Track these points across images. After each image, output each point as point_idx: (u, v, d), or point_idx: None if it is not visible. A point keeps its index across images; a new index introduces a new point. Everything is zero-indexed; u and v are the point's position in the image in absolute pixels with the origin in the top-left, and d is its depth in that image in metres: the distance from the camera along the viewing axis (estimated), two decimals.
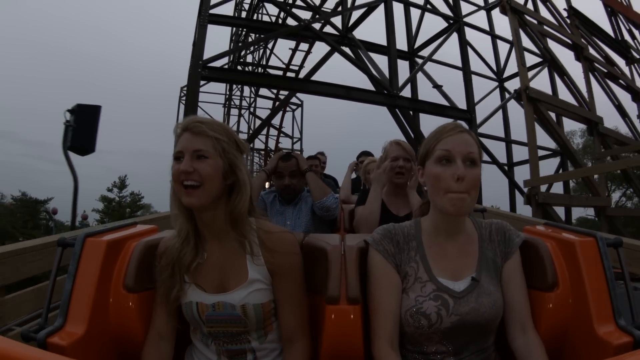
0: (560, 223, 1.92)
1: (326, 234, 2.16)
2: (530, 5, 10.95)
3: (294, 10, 11.27)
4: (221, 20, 10.06)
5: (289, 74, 16.71)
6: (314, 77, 9.71)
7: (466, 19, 11.32)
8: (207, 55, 7.95)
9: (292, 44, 17.01)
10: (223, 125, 1.56)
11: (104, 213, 38.08)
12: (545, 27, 10.19)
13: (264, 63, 18.61)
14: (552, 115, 9.41)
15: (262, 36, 14.20)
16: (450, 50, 11.15)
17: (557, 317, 1.56)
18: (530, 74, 10.57)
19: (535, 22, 10.12)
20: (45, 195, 37.56)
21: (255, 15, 16.23)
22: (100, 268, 1.59)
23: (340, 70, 10.55)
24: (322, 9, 11.60)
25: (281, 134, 21.72)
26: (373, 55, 10.86)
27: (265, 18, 16.08)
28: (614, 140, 10.50)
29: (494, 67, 13.55)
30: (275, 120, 20.29)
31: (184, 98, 20.97)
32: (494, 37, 13.20)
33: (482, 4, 13.02)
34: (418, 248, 1.57)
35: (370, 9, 10.44)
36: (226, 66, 13.30)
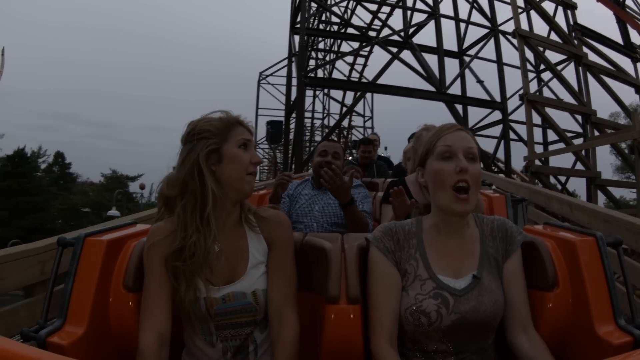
0: (560, 222, 1.92)
1: (327, 233, 2.13)
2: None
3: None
4: (316, 33, 15.72)
5: (354, 73, 20.91)
6: (382, 77, 13.35)
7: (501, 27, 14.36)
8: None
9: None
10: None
11: None
12: (546, 43, 13.10)
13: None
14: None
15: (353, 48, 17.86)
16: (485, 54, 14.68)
17: (557, 317, 1.55)
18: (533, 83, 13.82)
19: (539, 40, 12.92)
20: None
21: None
22: (100, 268, 1.56)
23: (397, 66, 13.46)
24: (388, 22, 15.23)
25: (353, 113, 23.58)
26: (426, 55, 14.05)
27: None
28: (608, 128, 12.78)
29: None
30: (348, 100, 21.88)
31: (262, 82, 25.97)
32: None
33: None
34: (418, 246, 1.55)
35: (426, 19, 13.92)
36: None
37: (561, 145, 12.95)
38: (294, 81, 14.66)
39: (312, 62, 19.87)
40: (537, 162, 12.04)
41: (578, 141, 13.27)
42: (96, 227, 1.87)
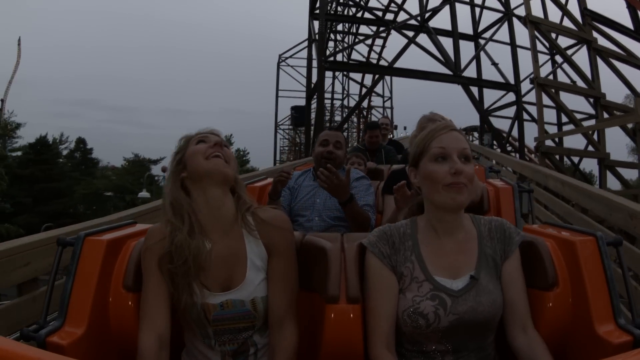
0: (560, 222, 1.89)
1: (327, 233, 2.10)
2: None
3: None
4: (334, 18, 16.95)
5: (373, 54, 22.62)
6: (400, 60, 14.48)
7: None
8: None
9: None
10: None
11: None
12: (556, 29, 13.65)
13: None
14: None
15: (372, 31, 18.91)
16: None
17: (556, 317, 1.53)
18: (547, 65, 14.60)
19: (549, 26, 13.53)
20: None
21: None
22: (99, 267, 1.56)
23: (414, 49, 14.60)
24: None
25: (373, 94, 24.64)
26: (442, 38, 14.93)
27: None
28: (617, 110, 13.17)
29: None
30: (367, 81, 23.20)
31: (281, 64, 26.61)
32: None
33: None
34: (414, 247, 1.53)
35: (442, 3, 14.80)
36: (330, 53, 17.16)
37: (572, 127, 13.53)
38: (314, 64, 15.61)
39: (331, 44, 20.99)
40: (550, 143, 12.90)
41: (589, 123, 13.66)
42: (96, 227, 1.85)
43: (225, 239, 1.55)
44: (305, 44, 19.75)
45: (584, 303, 1.50)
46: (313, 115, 16.73)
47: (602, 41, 13.51)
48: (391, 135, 13.76)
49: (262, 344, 1.56)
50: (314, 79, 15.62)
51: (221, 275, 1.51)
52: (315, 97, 15.87)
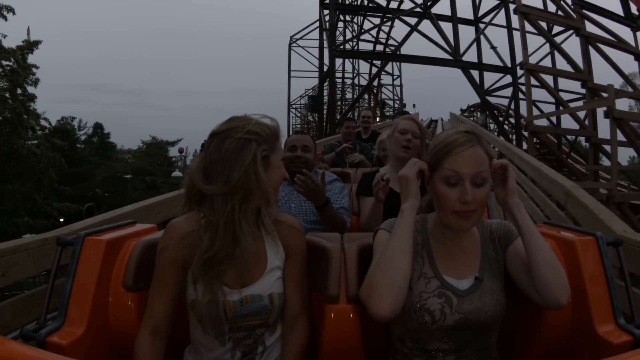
0: (560, 222, 1.83)
1: (326, 232, 2.05)
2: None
3: None
4: (343, 7, 17.75)
5: (381, 36, 24.80)
6: (406, 44, 16.32)
7: None
8: None
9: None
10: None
11: None
12: (545, 18, 15.23)
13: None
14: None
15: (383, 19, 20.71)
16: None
17: (557, 317, 1.50)
18: (538, 53, 16.44)
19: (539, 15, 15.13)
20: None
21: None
22: (99, 267, 1.53)
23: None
24: None
25: (382, 72, 26.62)
26: (445, 23, 16.48)
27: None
28: (603, 92, 13.98)
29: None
30: (376, 61, 25.21)
31: (293, 45, 28.69)
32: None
33: None
34: (424, 244, 1.50)
35: None
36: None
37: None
38: (325, 52, 17.15)
39: (340, 25, 23.28)
40: (545, 122, 15.15)
41: (579, 103, 15.43)
42: (95, 227, 1.85)
43: (249, 239, 1.45)
44: (315, 25, 22.03)
45: (584, 303, 1.48)
46: (326, 100, 18.03)
47: (593, 29, 14.93)
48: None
49: (270, 342, 1.52)
50: (326, 60, 16.92)
51: (242, 273, 1.46)
52: (327, 82, 17.01)
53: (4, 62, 16.14)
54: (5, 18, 16.01)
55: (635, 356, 0.83)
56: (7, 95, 16.19)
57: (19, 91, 16.54)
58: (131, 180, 34.64)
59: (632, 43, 14.90)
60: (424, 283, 1.43)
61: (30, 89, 16.98)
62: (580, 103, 15.11)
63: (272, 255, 1.50)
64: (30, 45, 16.37)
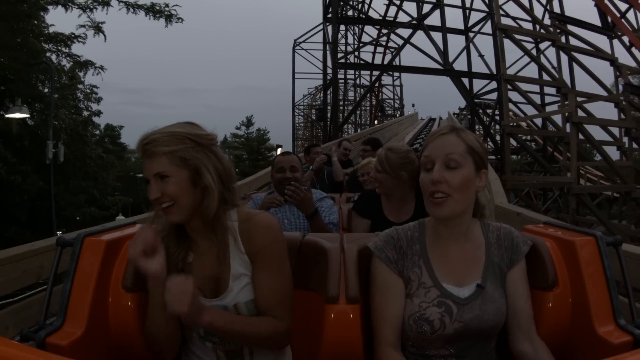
0: (560, 222, 1.78)
1: (325, 233, 1.99)
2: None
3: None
4: (347, 21, 20.96)
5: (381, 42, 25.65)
6: (402, 53, 19.03)
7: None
8: None
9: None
10: (174, 131, 1.35)
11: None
12: (522, 33, 16.67)
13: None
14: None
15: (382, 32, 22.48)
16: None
17: (556, 317, 1.47)
18: (516, 64, 18.18)
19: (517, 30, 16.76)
20: None
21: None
22: (99, 268, 1.48)
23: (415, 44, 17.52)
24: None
25: (383, 74, 27.16)
26: (435, 34, 17.64)
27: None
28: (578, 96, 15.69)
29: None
30: (377, 60, 26.26)
31: (297, 48, 28.91)
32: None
33: None
34: (421, 252, 1.44)
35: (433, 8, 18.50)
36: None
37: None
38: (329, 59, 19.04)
39: (342, 28, 24.78)
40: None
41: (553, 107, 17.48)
42: (95, 227, 1.79)
43: (210, 247, 1.39)
44: (318, 28, 23.03)
45: (584, 303, 1.44)
46: (331, 107, 19.21)
47: (573, 40, 16.43)
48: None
49: (258, 348, 1.44)
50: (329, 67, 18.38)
51: (210, 282, 1.40)
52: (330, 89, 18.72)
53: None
54: None
55: (635, 356, 0.80)
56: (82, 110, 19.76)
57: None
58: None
59: (609, 51, 16.64)
60: (423, 293, 1.39)
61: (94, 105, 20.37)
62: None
63: (236, 262, 1.39)
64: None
